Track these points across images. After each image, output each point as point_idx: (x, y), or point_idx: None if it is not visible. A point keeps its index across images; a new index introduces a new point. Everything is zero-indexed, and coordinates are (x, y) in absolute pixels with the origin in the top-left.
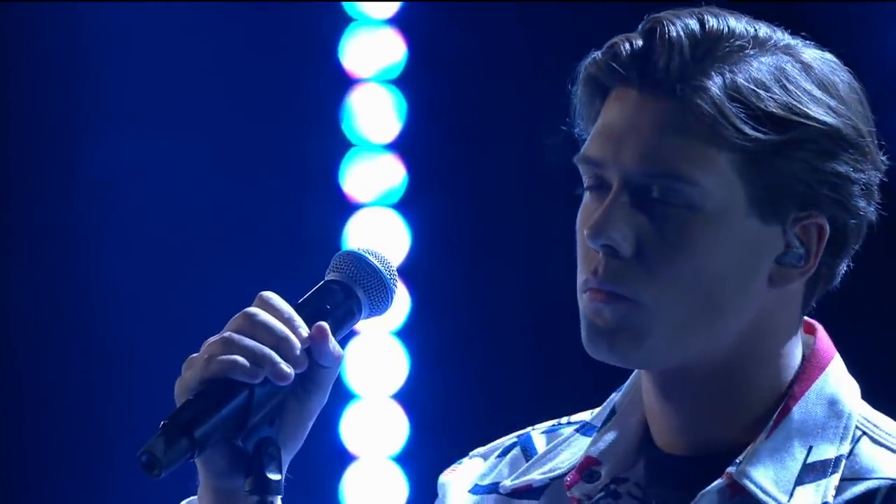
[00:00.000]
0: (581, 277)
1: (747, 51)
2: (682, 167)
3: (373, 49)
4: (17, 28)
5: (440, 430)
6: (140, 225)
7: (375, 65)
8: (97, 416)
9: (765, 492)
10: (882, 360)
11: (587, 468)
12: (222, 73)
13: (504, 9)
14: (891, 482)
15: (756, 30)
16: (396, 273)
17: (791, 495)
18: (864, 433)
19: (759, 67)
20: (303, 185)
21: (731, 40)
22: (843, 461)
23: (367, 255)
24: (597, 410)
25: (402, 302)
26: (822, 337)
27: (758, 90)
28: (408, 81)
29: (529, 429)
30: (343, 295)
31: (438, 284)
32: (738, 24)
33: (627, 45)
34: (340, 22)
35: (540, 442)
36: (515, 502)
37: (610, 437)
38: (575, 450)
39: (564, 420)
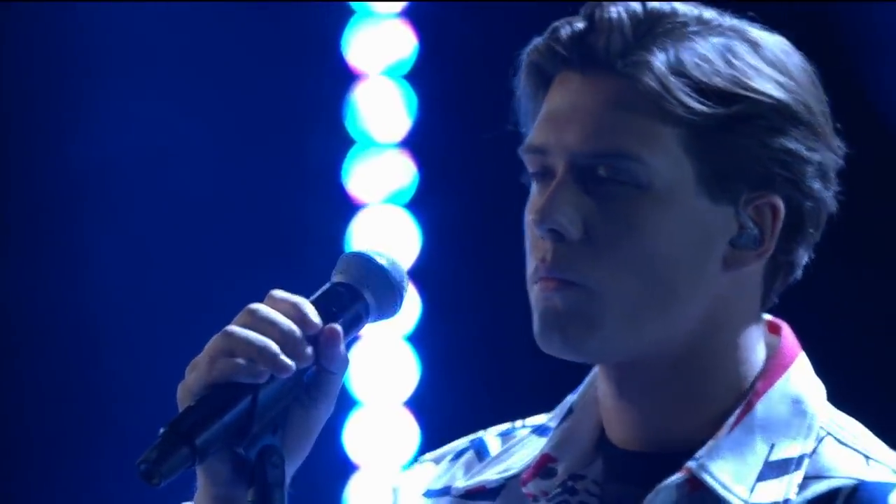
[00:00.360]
0: (530, 268)
1: (691, 28)
2: (627, 144)
3: (382, 44)
4: (11, 20)
5: (453, 438)
6: (140, 224)
7: (385, 60)
8: (97, 418)
9: (725, 487)
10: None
11: (543, 465)
12: (227, 70)
13: (517, 2)
14: (854, 482)
15: (701, 12)
16: (406, 275)
17: (752, 491)
18: (829, 433)
19: (704, 44)
20: (306, 183)
21: (674, 19)
22: (807, 459)
23: (374, 255)
24: (552, 413)
25: (412, 305)
26: (787, 335)
27: (702, 64)
28: (418, 77)
29: (482, 432)
30: (350, 298)
31: (451, 286)
32: (683, 6)
33: (568, 28)
34: (348, 18)
35: (494, 444)
36: None
37: (566, 435)
38: (530, 450)
39: (519, 423)
